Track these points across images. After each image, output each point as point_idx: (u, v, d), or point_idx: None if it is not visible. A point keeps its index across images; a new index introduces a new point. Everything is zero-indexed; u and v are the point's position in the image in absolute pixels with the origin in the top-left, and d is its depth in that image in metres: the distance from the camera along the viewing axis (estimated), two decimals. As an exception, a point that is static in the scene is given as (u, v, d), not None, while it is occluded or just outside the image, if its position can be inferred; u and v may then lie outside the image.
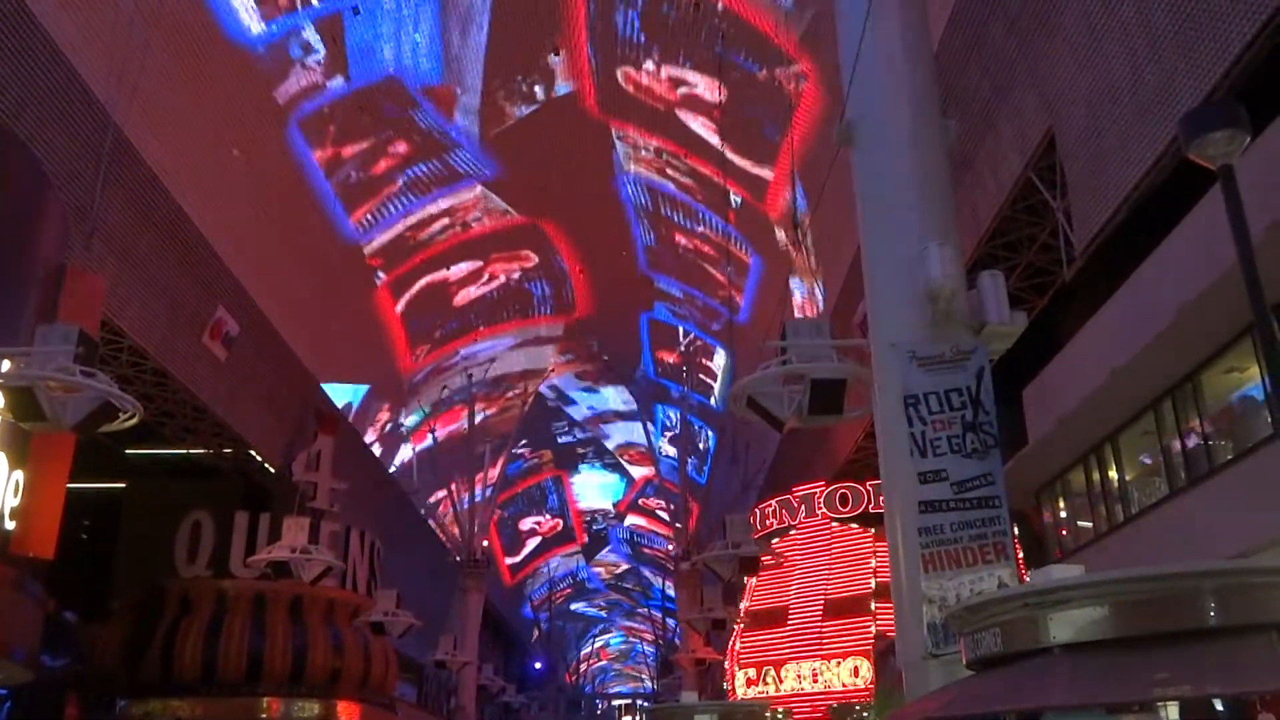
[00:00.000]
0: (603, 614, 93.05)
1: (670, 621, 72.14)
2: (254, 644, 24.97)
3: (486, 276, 41.51)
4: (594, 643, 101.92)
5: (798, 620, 27.03)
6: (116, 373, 20.34)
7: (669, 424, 51.88)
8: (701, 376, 47.01)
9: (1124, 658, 5.46)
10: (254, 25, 23.96)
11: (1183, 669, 5.29)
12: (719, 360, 44.21)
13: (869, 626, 25.47)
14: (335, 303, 32.80)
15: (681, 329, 44.01)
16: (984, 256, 18.34)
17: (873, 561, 26.32)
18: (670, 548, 51.57)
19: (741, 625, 28.32)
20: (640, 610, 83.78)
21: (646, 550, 69.72)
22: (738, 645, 28.08)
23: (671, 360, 47.31)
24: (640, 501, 61.15)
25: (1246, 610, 5.47)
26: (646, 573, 76.38)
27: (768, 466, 39.59)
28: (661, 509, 52.80)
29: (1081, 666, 5.56)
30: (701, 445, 52.45)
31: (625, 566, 78.94)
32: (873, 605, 25.60)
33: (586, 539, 72.51)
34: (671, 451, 51.25)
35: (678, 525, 45.39)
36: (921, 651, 8.56)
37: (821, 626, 26.45)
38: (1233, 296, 10.02)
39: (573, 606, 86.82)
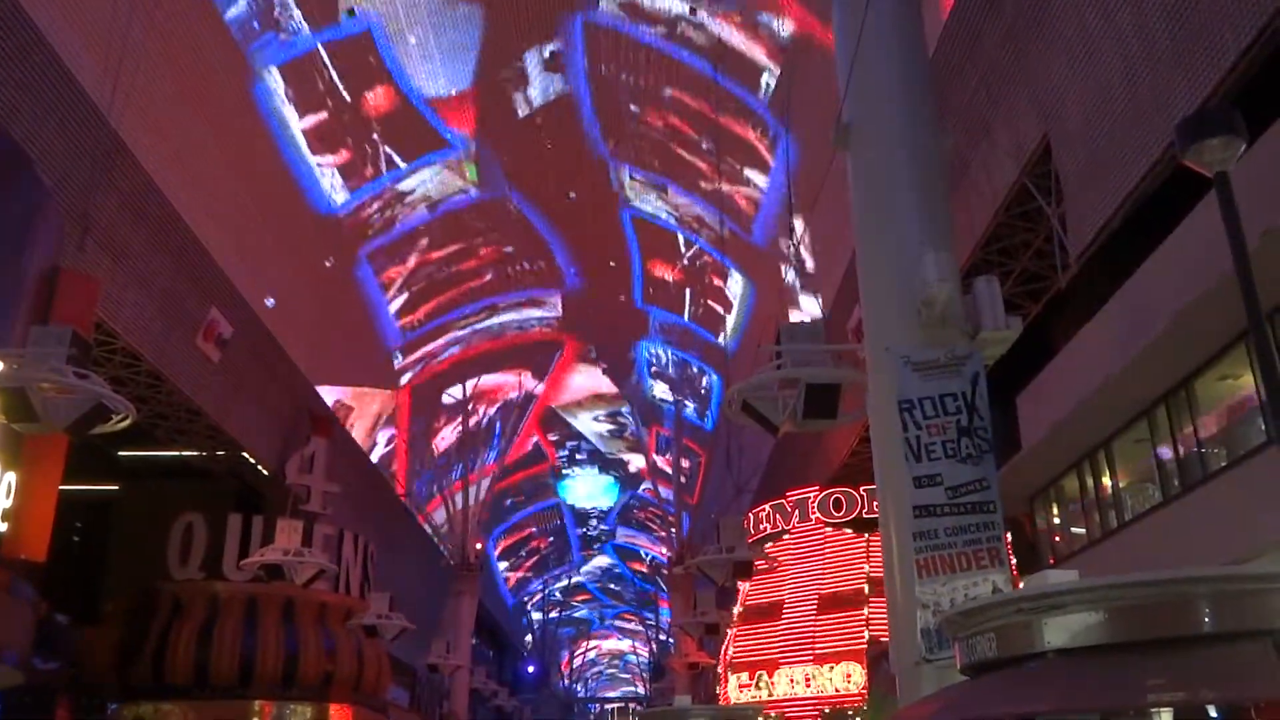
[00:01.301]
0: (596, 617, 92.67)
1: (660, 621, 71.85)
2: (246, 647, 24.93)
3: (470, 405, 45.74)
4: (587, 645, 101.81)
5: (791, 615, 26.99)
6: (110, 374, 20.30)
7: (655, 363, 48.25)
8: (710, 303, 40.43)
9: (1118, 663, 5.45)
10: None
11: (1177, 675, 5.29)
12: (735, 286, 38.18)
13: (862, 629, 25.42)
14: (331, 306, 32.85)
15: (682, 237, 37.93)
16: (979, 262, 18.34)
17: (866, 567, 26.28)
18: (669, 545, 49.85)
19: (736, 622, 28.25)
20: (634, 614, 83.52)
21: (639, 513, 65.39)
22: (731, 650, 28.03)
23: (671, 277, 40.57)
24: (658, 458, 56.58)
25: (1241, 617, 5.46)
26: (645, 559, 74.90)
27: (762, 471, 39.57)
28: (668, 465, 50.65)
29: (1076, 672, 5.56)
30: (704, 390, 48.06)
31: (618, 569, 78.30)
32: (866, 608, 25.54)
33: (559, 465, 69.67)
34: (663, 394, 48.71)
35: (672, 529, 45.30)
36: (915, 656, 8.55)
37: (815, 622, 26.39)
38: (1228, 302, 10.03)
39: (566, 613, 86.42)
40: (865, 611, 25.50)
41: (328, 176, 30.93)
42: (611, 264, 40.07)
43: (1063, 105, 15.20)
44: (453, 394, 46.14)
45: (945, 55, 16.91)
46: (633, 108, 31.05)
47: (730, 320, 39.15)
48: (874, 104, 10.33)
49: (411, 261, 36.94)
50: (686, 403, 48.32)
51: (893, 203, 10.00)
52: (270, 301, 25.59)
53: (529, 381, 48.41)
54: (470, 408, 46.22)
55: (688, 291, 40.67)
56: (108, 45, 17.58)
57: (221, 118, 24.29)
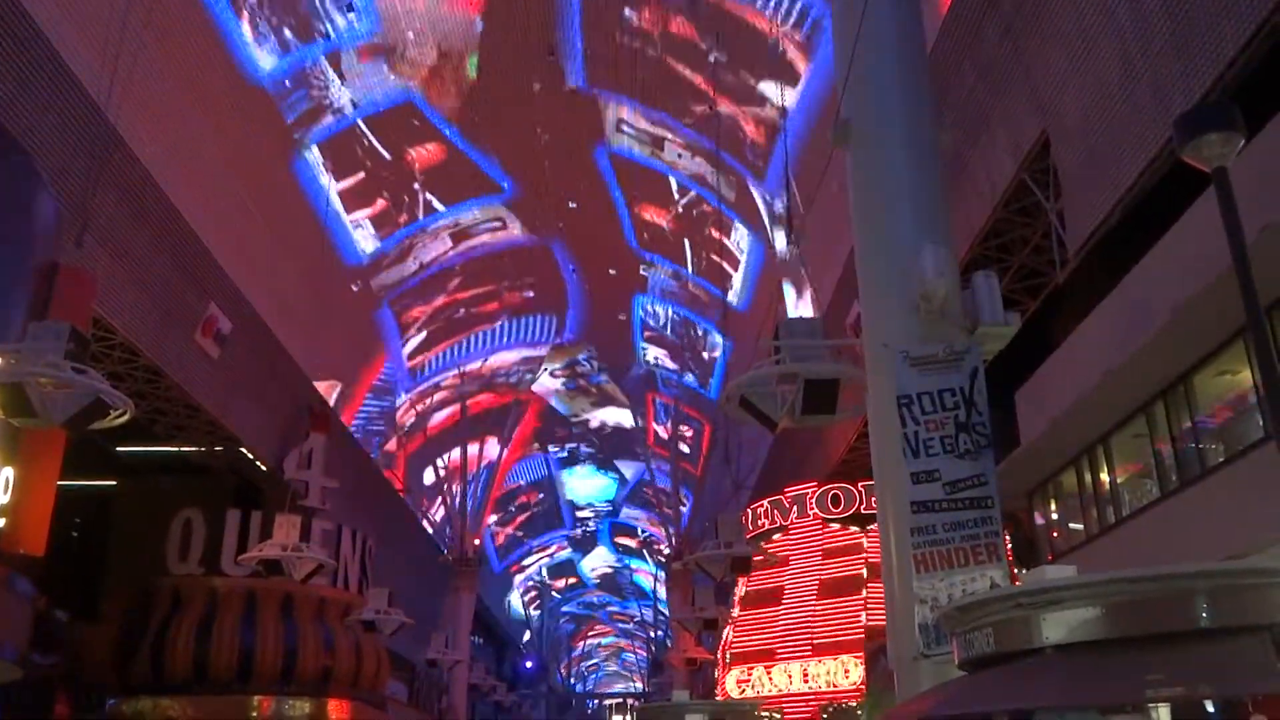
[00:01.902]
0: (594, 613, 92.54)
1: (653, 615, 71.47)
2: (245, 642, 24.93)
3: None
4: (585, 642, 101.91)
5: (792, 599, 27.06)
6: (108, 370, 20.28)
7: (652, 322, 43.93)
8: (714, 257, 36.50)
9: (1116, 659, 5.45)
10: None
11: (1175, 670, 5.29)
12: (740, 237, 34.69)
13: (859, 615, 25.49)
14: (329, 303, 32.90)
15: (675, 181, 34.03)
16: (977, 258, 18.34)
17: (864, 540, 26.36)
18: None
19: (738, 604, 28.32)
20: (631, 609, 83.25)
21: (646, 490, 59.62)
22: (730, 635, 28.08)
23: (665, 224, 36.86)
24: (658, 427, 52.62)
25: (1239, 611, 5.46)
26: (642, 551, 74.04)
27: (760, 467, 39.58)
28: (667, 431, 48.91)
29: (1074, 667, 5.56)
30: (708, 356, 44.31)
31: (617, 564, 78.00)
32: (864, 592, 25.66)
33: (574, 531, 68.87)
34: (659, 356, 46.16)
35: (668, 508, 45.36)
36: (913, 652, 8.55)
37: (815, 607, 26.45)
38: (1226, 299, 10.03)
39: (564, 608, 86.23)
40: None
41: (362, 230, 33.22)
42: (611, 271, 40.18)
43: (1061, 100, 15.19)
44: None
45: (944, 50, 16.90)
46: (627, 12, 27.97)
47: (737, 279, 36.78)
48: (873, 100, 10.31)
49: (435, 302, 38.83)
50: (688, 370, 45.89)
51: (891, 198, 9.98)
52: (334, 392, 26.99)
53: (494, 449, 50.55)
54: (447, 486, 48.50)
55: (687, 243, 37.55)
56: (105, 39, 17.56)
57: (221, 113, 24.27)
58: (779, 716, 24.72)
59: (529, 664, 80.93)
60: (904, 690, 8.70)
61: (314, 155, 29.50)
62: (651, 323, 44.35)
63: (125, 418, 11.78)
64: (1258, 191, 10.58)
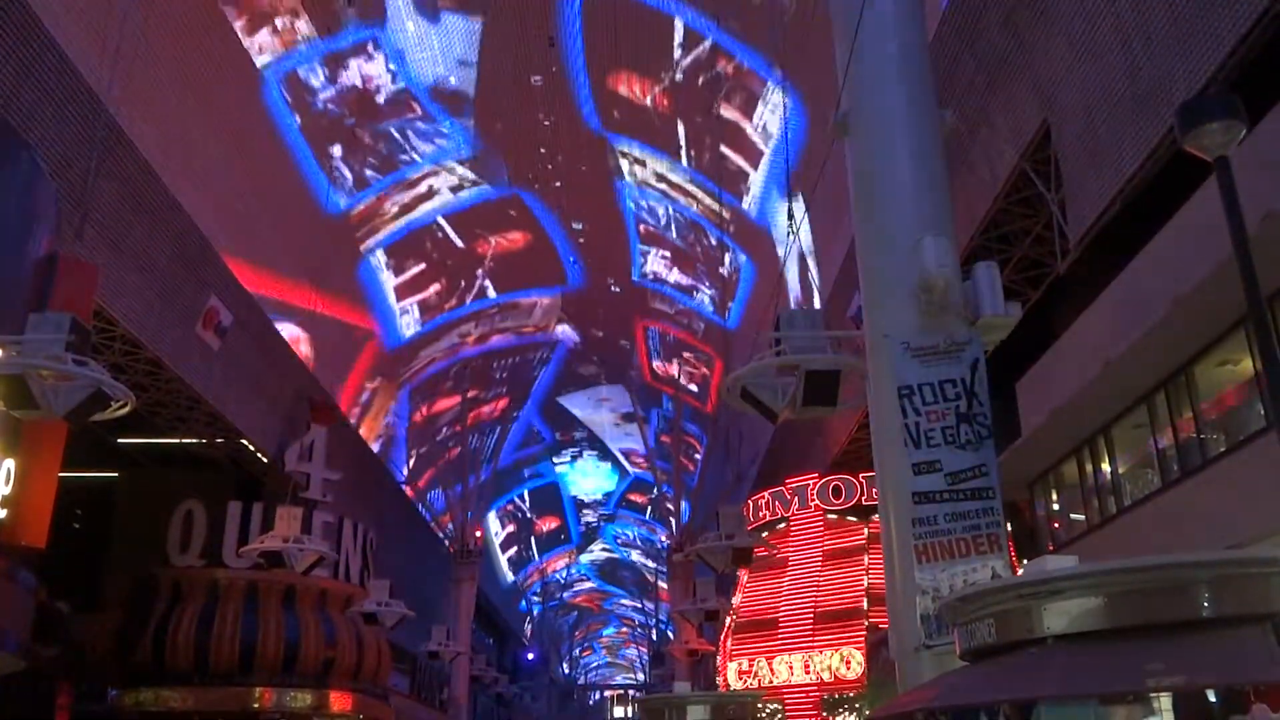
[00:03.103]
0: (594, 606, 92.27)
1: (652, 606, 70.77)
2: (246, 634, 25.00)
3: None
4: (586, 632, 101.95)
5: (788, 630, 26.99)
6: (109, 362, 20.28)
7: (650, 218, 34.18)
8: (729, 156, 28.29)
9: (1117, 648, 5.46)
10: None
11: (1176, 660, 5.29)
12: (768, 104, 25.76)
13: (861, 626, 25.46)
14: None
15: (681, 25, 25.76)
16: (978, 249, 18.32)
17: (865, 581, 26.16)
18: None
19: (731, 626, 28.29)
20: (630, 614, 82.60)
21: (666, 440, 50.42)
22: (730, 644, 28.10)
23: (656, 108, 28.36)
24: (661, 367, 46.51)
25: (1240, 601, 5.48)
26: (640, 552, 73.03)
27: (761, 458, 39.59)
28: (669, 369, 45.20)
29: (1075, 657, 5.56)
30: (727, 274, 34.71)
31: (615, 556, 77.50)
32: (865, 605, 25.59)
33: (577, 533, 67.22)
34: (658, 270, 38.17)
35: (672, 518, 45.20)
36: (915, 642, 8.56)
37: (813, 634, 26.39)
38: (1227, 289, 10.02)
39: (565, 597, 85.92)
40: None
41: (408, 315, 34.55)
42: (615, 288, 40.13)
43: (1062, 90, 15.16)
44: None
45: (945, 40, 16.86)
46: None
47: (755, 177, 28.93)
48: (873, 91, 10.28)
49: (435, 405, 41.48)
50: (702, 289, 37.68)
51: (892, 189, 9.96)
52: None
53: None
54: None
55: (681, 129, 29.10)
56: (105, 31, 17.52)
57: (224, 107, 24.21)
58: (781, 707, 24.98)
59: (530, 656, 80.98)
60: (906, 681, 8.71)
61: (378, 259, 30.67)
62: (648, 219, 34.78)
63: (126, 409, 11.77)
64: (1259, 181, 10.56)
